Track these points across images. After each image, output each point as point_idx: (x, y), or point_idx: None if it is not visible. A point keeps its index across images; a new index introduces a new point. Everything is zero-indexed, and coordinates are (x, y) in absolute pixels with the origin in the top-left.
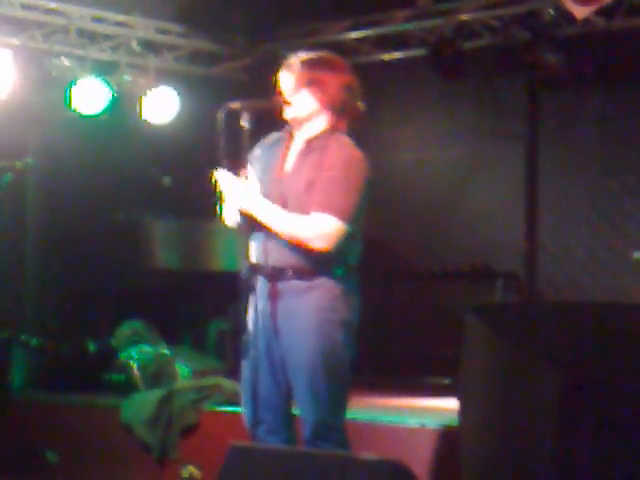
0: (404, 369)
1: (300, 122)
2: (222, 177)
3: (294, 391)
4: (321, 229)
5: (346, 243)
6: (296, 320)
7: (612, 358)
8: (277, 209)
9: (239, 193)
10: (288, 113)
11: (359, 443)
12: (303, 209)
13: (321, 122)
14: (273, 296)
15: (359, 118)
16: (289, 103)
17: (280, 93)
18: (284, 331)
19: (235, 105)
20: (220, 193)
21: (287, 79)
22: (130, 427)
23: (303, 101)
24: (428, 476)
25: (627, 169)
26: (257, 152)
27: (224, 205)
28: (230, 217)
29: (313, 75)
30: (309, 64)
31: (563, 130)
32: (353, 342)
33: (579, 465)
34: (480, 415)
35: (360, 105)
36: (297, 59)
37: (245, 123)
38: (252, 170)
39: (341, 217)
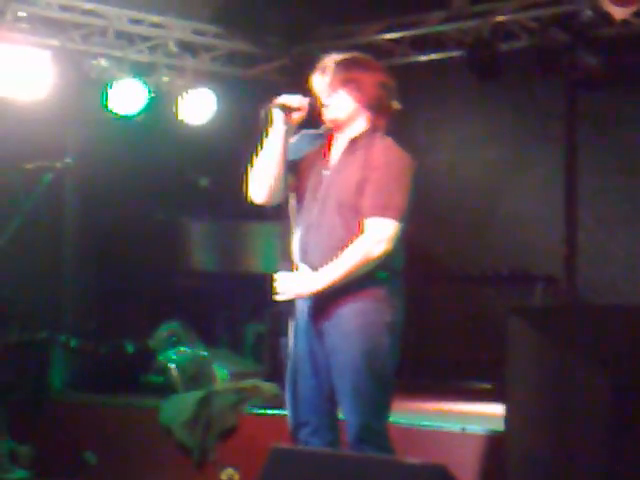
0: (443, 373)
1: (340, 124)
2: (279, 278)
3: (338, 394)
4: (379, 234)
5: (395, 245)
6: (340, 322)
7: None
8: (330, 267)
9: (295, 284)
10: (327, 115)
11: (400, 447)
12: (351, 207)
13: (361, 122)
14: (315, 298)
15: (395, 117)
16: (326, 106)
17: (316, 96)
18: (328, 333)
19: (279, 102)
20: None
21: (322, 81)
22: (169, 429)
23: (341, 101)
24: None
25: None
26: (296, 139)
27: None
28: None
29: (349, 75)
30: (344, 64)
31: (601, 132)
32: (398, 345)
33: (631, 466)
34: (528, 419)
35: (395, 104)
36: (331, 60)
37: (287, 120)
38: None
39: (395, 216)
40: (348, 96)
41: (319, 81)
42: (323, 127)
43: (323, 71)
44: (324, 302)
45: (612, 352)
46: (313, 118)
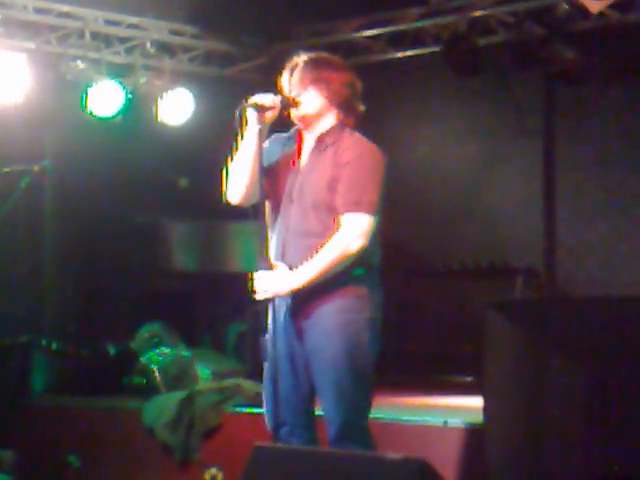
0: (425, 367)
1: (309, 121)
2: (258, 278)
3: (319, 392)
4: (355, 230)
5: (369, 241)
6: (321, 321)
7: (636, 352)
8: (308, 264)
9: (274, 283)
10: (297, 112)
11: (382, 442)
12: (323, 205)
13: (330, 119)
14: (294, 297)
15: (362, 117)
16: (298, 103)
17: (286, 95)
18: (308, 332)
19: (252, 102)
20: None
21: (292, 80)
22: (152, 430)
23: (310, 99)
24: (452, 474)
25: None
26: (266, 145)
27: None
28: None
29: (318, 74)
30: (313, 64)
31: (580, 125)
32: (377, 341)
33: (607, 459)
34: (507, 411)
35: (361, 105)
36: (300, 60)
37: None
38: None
39: (369, 211)
40: (317, 94)
41: (288, 80)
42: (293, 129)
43: (292, 70)
44: (304, 301)
45: (588, 345)
46: (285, 117)
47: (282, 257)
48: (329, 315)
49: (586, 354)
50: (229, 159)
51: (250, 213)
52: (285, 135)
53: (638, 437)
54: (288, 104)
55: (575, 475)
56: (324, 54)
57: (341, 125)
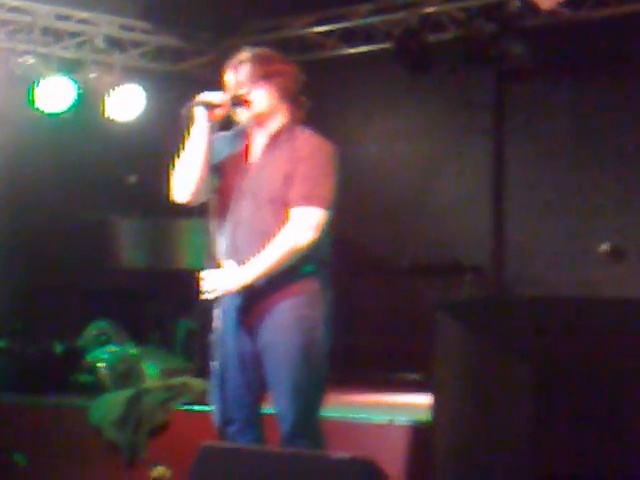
0: (372, 365)
1: (262, 118)
2: (205, 276)
3: (272, 389)
4: (305, 223)
5: (320, 237)
6: (274, 317)
7: (584, 352)
8: (257, 259)
9: (222, 280)
10: (250, 110)
11: (329, 440)
12: (279, 200)
13: (281, 115)
14: (245, 294)
15: (310, 112)
16: (249, 101)
17: (237, 93)
18: (260, 329)
19: (200, 100)
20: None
21: (239, 77)
22: (99, 428)
23: (262, 96)
24: (398, 472)
25: (594, 162)
26: (215, 142)
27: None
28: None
29: (267, 69)
30: (259, 59)
31: (530, 123)
32: (329, 338)
33: (555, 458)
34: (454, 411)
35: (305, 99)
36: (245, 56)
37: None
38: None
39: (321, 204)
40: (268, 90)
41: (233, 78)
42: (238, 127)
43: (236, 68)
44: (255, 298)
45: (535, 345)
46: (227, 115)
47: (233, 253)
48: (283, 312)
49: (534, 354)
50: (177, 157)
51: (196, 210)
52: (231, 133)
53: (585, 436)
54: (239, 102)
55: (522, 475)
56: (267, 49)
57: (293, 121)
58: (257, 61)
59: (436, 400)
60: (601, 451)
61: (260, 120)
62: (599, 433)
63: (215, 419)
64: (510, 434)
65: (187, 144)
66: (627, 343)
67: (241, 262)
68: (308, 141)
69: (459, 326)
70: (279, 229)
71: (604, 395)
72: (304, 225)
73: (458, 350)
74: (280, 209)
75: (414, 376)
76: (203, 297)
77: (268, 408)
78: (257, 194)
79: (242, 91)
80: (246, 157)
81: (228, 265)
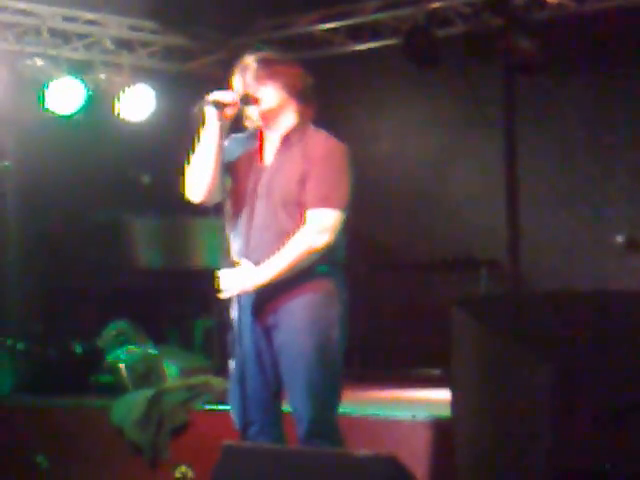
0: (392, 361)
1: (271, 116)
2: (222, 275)
3: (288, 389)
4: (321, 224)
5: (337, 235)
6: (290, 317)
7: (603, 346)
8: (273, 260)
9: (238, 280)
10: (258, 108)
11: (350, 438)
12: (293, 201)
13: (290, 114)
14: (261, 294)
15: (317, 110)
16: (258, 99)
17: (246, 92)
18: (277, 329)
19: (211, 99)
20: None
21: (246, 80)
22: (120, 428)
23: (270, 94)
24: (422, 469)
25: (606, 153)
26: (228, 143)
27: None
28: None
29: (272, 69)
30: (265, 61)
31: (540, 115)
32: (345, 337)
33: (574, 454)
34: (474, 407)
35: (315, 99)
36: (251, 59)
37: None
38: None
39: (337, 206)
40: (275, 88)
41: (240, 81)
42: (252, 129)
43: (244, 70)
44: (271, 298)
45: (556, 339)
46: (240, 119)
47: (247, 254)
48: (298, 311)
49: (552, 349)
50: (189, 156)
51: (212, 209)
52: (243, 135)
53: (605, 433)
54: (248, 101)
55: (542, 470)
56: (271, 52)
57: (304, 121)
58: (262, 62)
59: (455, 396)
60: (621, 447)
61: (270, 118)
62: (619, 429)
63: (235, 420)
64: (529, 430)
65: (198, 144)
66: None
67: (256, 263)
68: (321, 142)
69: (475, 322)
70: (294, 230)
71: (624, 390)
72: (320, 227)
73: (475, 346)
74: (295, 210)
75: (434, 371)
76: (220, 296)
77: (286, 407)
78: (271, 196)
79: (250, 90)
80: (260, 158)
81: (244, 264)
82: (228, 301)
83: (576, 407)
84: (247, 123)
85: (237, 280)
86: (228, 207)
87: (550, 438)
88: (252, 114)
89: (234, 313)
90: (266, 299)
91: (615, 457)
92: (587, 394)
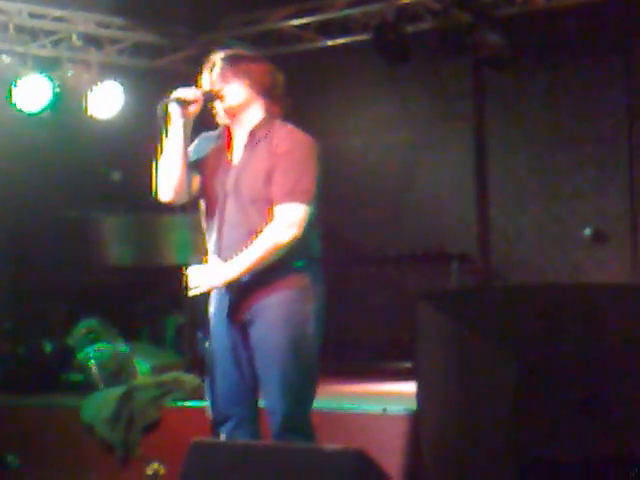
0: (362, 355)
1: (236, 113)
2: (190, 273)
3: (263, 383)
4: (287, 219)
5: (307, 232)
6: (265, 313)
7: (567, 339)
8: (241, 256)
9: (206, 276)
10: (223, 105)
11: (321, 431)
12: (261, 198)
13: (257, 110)
14: (236, 290)
15: (287, 107)
16: (222, 96)
17: (211, 89)
18: (252, 324)
19: (174, 97)
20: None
21: (212, 77)
22: (91, 426)
23: (235, 91)
24: (391, 462)
25: (574, 145)
26: (196, 143)
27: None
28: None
29: (238, 67)
30: (231, 58)
31: (509, 109)
32: (321, 332)
33: (537, 444)
34: (438, 400)
35: (285, 97)
36: (217, 57)
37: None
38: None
39: (303, 200)
40: (240, 84)
41: (208, 78)
42: (221, 126)
43: (211, 68)
44: (247, 294)
45: (518, 333)
46: (206, 112)
47: (220, 252)
48: (273, 307)
49: (517, 342)
50: (158, 153)
51: (178, 207)
52: (212, 133)
53: (567, 422)
54: (212, 97)
55: (505, 461)
56: (241, 50)
57: (270, 117)
58: (228, 60)
59: (420, 389)
60: (583, 436)
61: (236, 115)
62: (581, 419)
63: (210, 416)
64: (493, 421)
65: (164, 142)
66: (608, 328)
67: (228, 259)
68: (286, 136)
69: (441, 316)
70: (263, 227)
71: (586, 381)
72: (287, 222)
73: (440, 339)
74: (264, 207)
75: (406, 365)
76: (189, 294)
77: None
78: (240, 193)
79: (215, 87)
80: (228, 156)
81: (212, 261)
82: (199, 298)
83: (539, 398)
84: (218, 120)
85: (205, 277)
86: (202, 205)
87: (514, 429)
88: (219, 111)
89: (211, 309)
90: (242, 296)
91: (576, 446)
92: (548, 384)
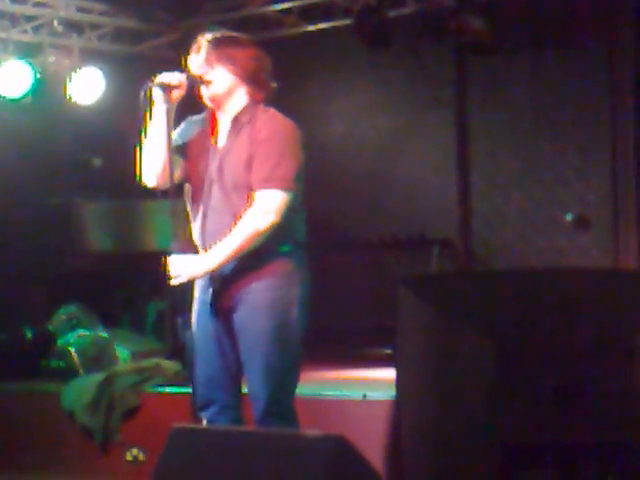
0: (344, 340)
1: (220, 99)
2: (171, 262)
3: (246, 369)
4: (265, 206)
5: (291, 217)
6: (248, 299)
7: (546, 325)
8: (220, 244)
9: (187, 266)
10: (207, 91)
11: (302, 417)
12: (243, 184)
13: (241, 96)
14: (220, 277)
15: (274, 93)
16: (207, 81)
17: (194, 74)
18: (235, 310)
19: (157, 81)
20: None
21: (198, 60)
22: (71, 413)
23: (219, 77)
24: (372, 447)
25: (555, 132)
26: (182, 127)
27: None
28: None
29: (223, 51)
30: (217, 42)
31: (491, 95)
32: (305, 318)
33: (513, 430)
34: (417, 385)
35: (272, 81)
36: (204, 40)
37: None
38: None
39: (282, 186)
40: (225, 71)
41: (195, 61)
42: (206, 111)
43: (197, 51)
44: (229, 280)
45: (496, 319)
46: (193, 95)
47: (204, 237)
48: (256, 292)
49: (494, 328)
50: (140, 141)
51: (159, 193)
52: (198, 117)
53: (543, 408)
54: (195, 82)
55: (482, 447)
56: (229, 32)
57: (254, 102)
58: (213, 44)
59: (400, 375)
60: (557, 423)
61: (220, 100)
62: (556, 405)
63: (194, 401)
64: (470, 407)
65: (148, 127)
66: (585, 313)
67: (211, 244)
68: (268, 122)
69: (420, 301)
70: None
71: (561, 367)
72: (265, 208)
73: (419, 325)
74: (245, 193)
75: (386, 351)
76: (170, 283)
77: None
78: (223, 180)
79: (199, 72)
80: (212, 141)
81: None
82: (180, 284)
83: (513, 384)
84: (205, 102)
85: (186, 267)
86: (187, 190)
87: (488, 414)
88: (203, 96)
89: (195, 295)
90: (226, 282)
91: (551, 432)
92: (524, 370)
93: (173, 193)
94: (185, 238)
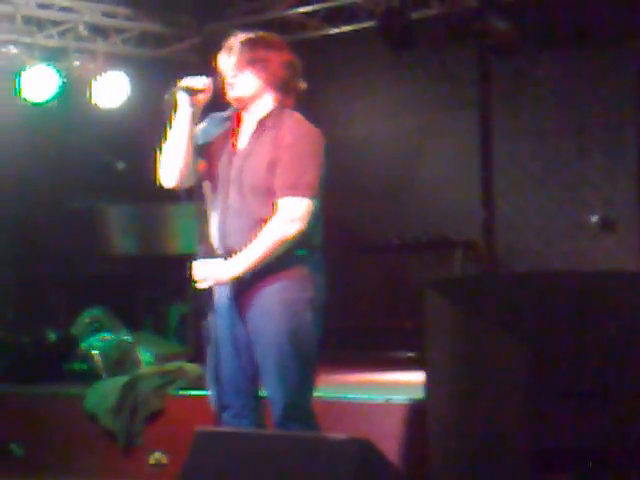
0: (366, 343)
1: (245, 103)
2: (197, 266)
3: (262, 373)
4: (292, 214)
5: (309, 222)
6: (262, 302)
7: (576, 328)
8: (246, 251)
9: (213, 272)
10: (232, 94)
11: (324, 421)
12: (262, 188)
13: (267, 101)
14: (236, 280)
15: (301, 96)
16: (232, 84)
17: (221, 76)
18: (250, 313)
19: (182, 85)
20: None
21: (228, 61)
22: (94, 416)
23: (247, 81)
24: (395, 451)
25: (580, 132)
26: (205, 123)
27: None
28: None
29: (254, 54)
30: (249, 44)
31: (515, 96)
32: (320, 321)
33: (547, 433)
34: (447, 389)
35: (302, 84)
36: (236, 40)
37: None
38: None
39: (307, 194)
40: (254, 75)
41: (225, 61)
42: (230, 109)
43: (229, 51)
44: (246, 283)
45: (528, 321)
46: (219, 99)
47: (224, 238)
48: (270, 296)
49: (523, 330)
50: (161, 143)
51: (183, 195)
52: (222, 114)
53: (577, 411)
54: (223, 86)
55: (515, 451)
56: (262, 33)
57: (280, 107)
58: (246, 46)
59: (428, 378)
60: (592, 425)
61: (244, 104)
62: (590, 408)
63: (213, 404)
64: (503, 411)
65: (171, 130)
66: (617, 316)
67: (230, 249)
68: (293, 128)
69: (449, 304)
70: (266, 216)
71: (596, 370)
72: (291, 216)
73: (448, 328)
74: (265, 197)
75: (408, 354)
76: (195, 287)
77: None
78: (242, 182)
79: (229, 76)
80: (234, 141)
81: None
82: (202, 288)
83: (548, 387)
84: (230, 101)
85: (212, 271)
86: (206, 190)
87: (522, 418)
88: (228, 97)
89: (212, 299)
90: (242, 284)
91: (585, 435)
92: (558, 373)
93: (196, 195)
94: (210, 242)
